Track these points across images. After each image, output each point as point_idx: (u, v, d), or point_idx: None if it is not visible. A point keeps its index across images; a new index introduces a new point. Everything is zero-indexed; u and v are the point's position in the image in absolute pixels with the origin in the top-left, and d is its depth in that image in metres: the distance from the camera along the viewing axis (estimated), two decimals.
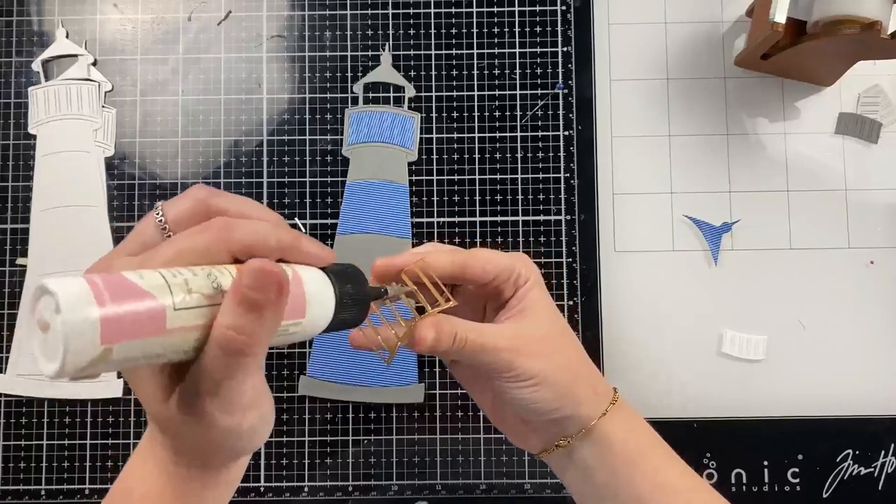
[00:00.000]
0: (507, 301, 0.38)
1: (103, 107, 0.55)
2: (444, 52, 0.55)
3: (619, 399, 0.39)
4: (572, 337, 0.39)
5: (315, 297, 0.31)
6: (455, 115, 0.55)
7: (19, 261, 0.54)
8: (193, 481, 0.33)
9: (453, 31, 0.55)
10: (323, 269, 0.32)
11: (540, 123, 0.55)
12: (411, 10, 0.55)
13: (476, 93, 0.55)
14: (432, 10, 0.55)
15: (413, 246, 0.53)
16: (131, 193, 0.54)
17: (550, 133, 0.54)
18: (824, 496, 0.52)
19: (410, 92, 0.55)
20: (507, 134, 0.54)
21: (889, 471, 0.52)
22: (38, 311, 0.24)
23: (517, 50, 0.55)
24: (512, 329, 0.38)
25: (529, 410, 0.38)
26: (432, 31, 0.55)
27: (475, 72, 0.55)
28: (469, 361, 0.37)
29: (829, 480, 0.52)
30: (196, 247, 0.29)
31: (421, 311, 0.36)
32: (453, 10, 0.55)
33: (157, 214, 0.31)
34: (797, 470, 0.52)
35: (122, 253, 0.31)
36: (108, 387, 0.53)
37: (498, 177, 0.54)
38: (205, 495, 0.34)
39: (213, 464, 0.33)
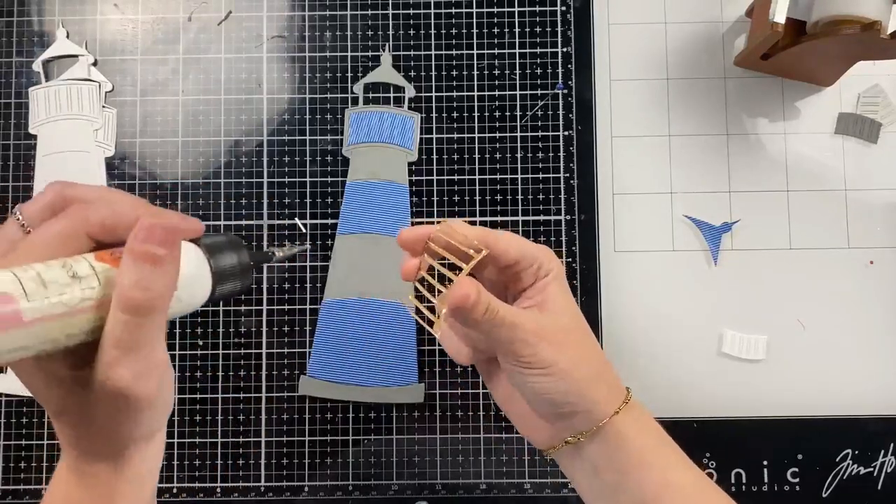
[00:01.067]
0: (526, 290, 0.39)
1: (104, 107, 0.55)
2: (443, 52, 0.55)
3: (632, 399, 0.39)
4: (590, 334, 0.39)
5: (188, 270, 0.31)
6: (455, 115, 0.55)
7: None
8: (107, 475, 0.33)
9: (453, 31, 0.55)
10: (196, 242, 0.32)
11: (540, 124, 0.55)
12: (411, 11, 0.55)
13: (476, 93, 0.55)
14: (432, 11, 0.55)
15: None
16: (132, 193, 0.54)
17: (550, 133, 0.54)
18: (824, 496, 0.52)
19: (410, 92, 0.55)
20: (507, 134, 0.54)
21: (888, 470, 0.52)
22: None
23: (517, 50, 0.55)
24: (536, 315, 0.38)
25: (541, 401, 0.38)
26: (432, 31, 0.55)
27: (475, 72, 0.55)
28: (493, 336, 0.37)
29: (829, 480, 0.52)
30: (56, 234, 0.29)
31: (445, 277, 0.36)
32: (453, 10, 0.55)
33: (17, 215, 0.32)
34: (797, 470, 0.52)
35: None
36: None
37: (498, 177, 0.54)
38: (120, 490, 0.33)
39: (128, 449, 0.33)
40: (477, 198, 0.54)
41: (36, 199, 0.32)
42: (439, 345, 0.53)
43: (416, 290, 0.38)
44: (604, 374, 0.39)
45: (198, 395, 0.53)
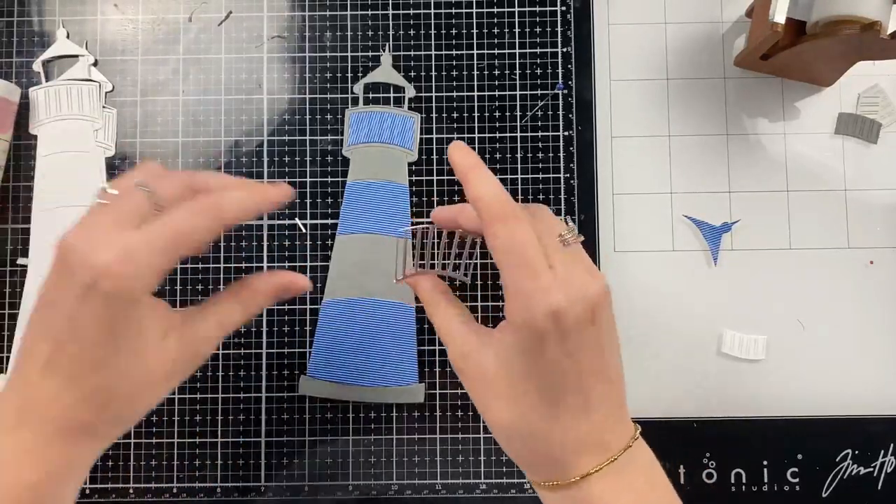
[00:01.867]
0: None
1: (104, 107, 0.55)
2: (443, 52, 0.55)
3: (631, 451, 0.34)
4: (544, 386, 0.33)
5: None
6: (455, 115, 0.55)
7: (20, 261, 0.54)
8: (87, 444, 0.34)
9: (453, 31, 0.55)
10: None
11: (540, 124, 0.55)
12: (411, 11, 0.55)
13: (476, 93, 0.55)
14: (432, 11, 0.55)
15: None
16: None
17: (550, 133, 0.55)
18: (824, 496, 0.52)
19: (411, 92, 0.55)
20: (507, 134, 0.54)
21: (888, 470, 0.52)
22: None
23: (517, 50, 0.55)
24: (477, 341, 0.35)
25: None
26: (432, 31, 0.55)
27: (475, 72, 0.55)
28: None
29: (829, 480, 0.52)
30: (197, 227, 0.34)
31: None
32: (453, 10, 0.55)
33: (146, 190, 0.34)
34: (797, 470, 0.52)
35: (110, 222, 0.33)
36: None
37: (498, 177, 0.54)
38: (87, 463, 0.35)
39: (137, 413, 0.36)
40: None
41: (169, 179, 0.35)
42: (440, 344, 0.53)
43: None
44: (536, 431, 0.33)
45: (198, 395, 0.53)
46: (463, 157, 0.36)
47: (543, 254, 0.33)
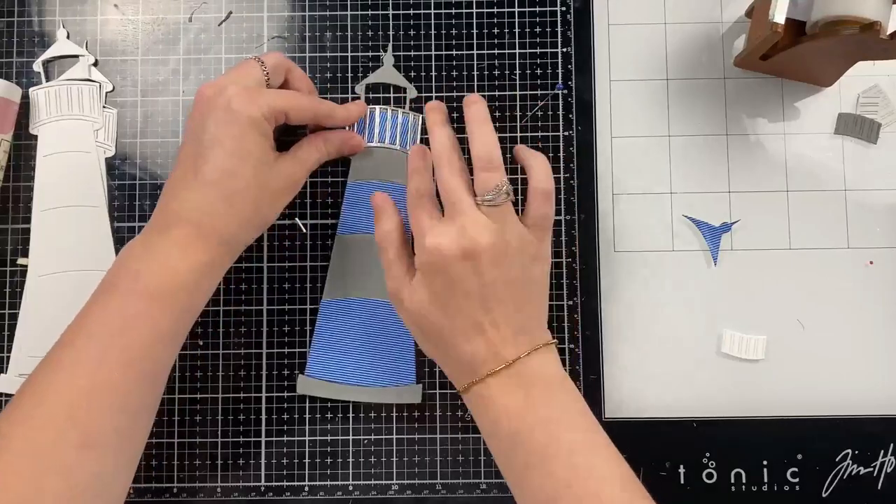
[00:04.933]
0: None
1: (104, 107, 0.55)
2: (444, 52, 0.55)
3: (532, 366, 0.42)
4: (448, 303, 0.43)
5: None
6: (455, 115, 0.55)
7: (20, 261, 0.54)
8: (215, 258, 0.44)
9: (453, 31, 0.55)
10: None
11: (540, 124, 0.55)
12: (412, 11, 0.55)
13: (476, 93, 0.55)
14: (433, 11, 0.55)
15: (413, 248, 0.53)
16: (132, 194, 0.54)
17: (550, 133, 0.55)
18: (823, 496, 0.52)
19: (412, 93, 0.55)
20: (507, 134, 0.54)
21: (888, 470, 0.52)
22: None
23: (517, 51, 0.55)
24: (395, 279, 0.46)
25: None
26: (432, 31, 0.55)
27: (475, 72, 0.55)
28: None
29: (829, 480, 0.52)
30: (300, 100, 0.48)
31: None
32: (453, 10, 0.55)
33: (262, 66, 0.47)
34: (796, 470, 0.52)
35: (239, 77, 0.46)
36: None
37: None
38: (224, 265, 0.46)
39: (261, 221, 0.47)
40: None
41: (270, 57, 0.47)
42: None
43: None
44: (470, 346, 0.42)
45: (198, 395, 0.53)
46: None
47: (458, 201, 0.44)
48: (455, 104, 0.55)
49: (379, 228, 0.47)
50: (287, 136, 0.53)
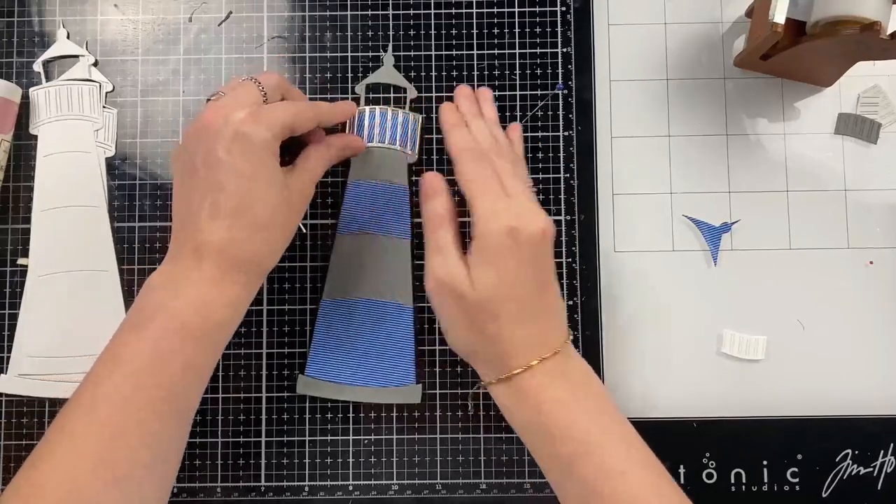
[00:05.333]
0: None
1: (104, 107, 0.55)
2: (444, 52, 0.55)
3: (568, 354, 0.43)
4: (516, 287, 0.42)
5: None
6: None
7: (20, 261, 0.54)
8: (247, 287, 0.43)
9: (454, 31, 0.55)
10: None
11: (540, 124, 0.55)
12: (412, 11, 0.55)
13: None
14: (433, 11, 0.55)
15: (413, 247, 0.53)
16: (132, 194, 0.54)
17: (550, 133, 0.55)
18: (823, 496, 0.52)
19: (412, 93, 0.55)
20: None
21: (888, 470, 0.52)
22: None
23: (517, 51, 0.55)
24: (445, 261, 0.44)
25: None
26: (432, 31, 0.55)
27: (475, 72, 0.55)
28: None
29: (829, 480, 0.52)
30: (302, 111, 0.45)
31: None
32: (454, 10, 0.55)
33: (259, 86, 0.45)
34: (796, 470, 0.52)
35: (238, 102, 0.43)
36: None
37: None
38: (246, 300, 0.44)
39: (280, 243, 0.45)
40: None
41: (267, 77, 0.45)
42: (438, 345, 0.53)
43: None
44: (518, 332, 0.42)
45: None
46: (448, 115, 0.49)
47: (501, 186, 0.44)
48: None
49: (430, 208, 0.45)
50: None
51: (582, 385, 0.42)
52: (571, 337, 0.44)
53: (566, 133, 0.55)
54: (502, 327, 0.42)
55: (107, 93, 0.55)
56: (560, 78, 0.55)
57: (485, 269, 0.42)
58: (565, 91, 0.55)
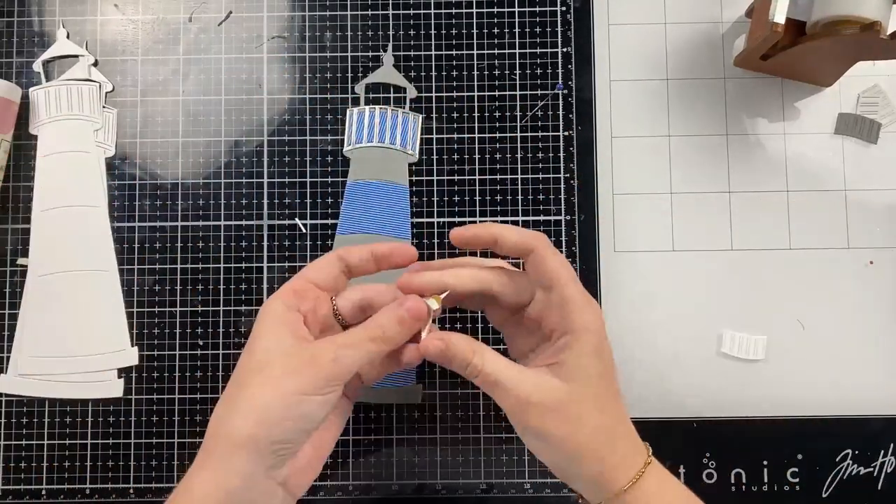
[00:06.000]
0: (550, 342, 0.39)
1: (104, 107, 0.55)
2: (444, 52, 0.55)
3: (651, 464, 0.38)
4: (604, 403, 0.38)
5: None
6: (455, 115, 0.55)
7: (20, 261, 0.54)
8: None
9: (454, 31, 0.55)
10: None
11: (540, 124, 0.55)
12: (412, 11, 0.55)
13: (476, 93, 0.55)
14: (433, 11, 0.55)
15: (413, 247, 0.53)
16: (132, 194, 0.54)
17: (550, 133, 0.55)
18: (824, 496, 0.52)
19: (412, 93, 0.55)
20: (507, 134, 0.54)
21: (888, 470, 0.52)
22: None
23: (517, 51, 0.55)
24: (534, 380, 0.37)
25: (541, 460, 0.39)
26: (433, 31, 0.55)
27: (475, 72, 0.55)
28: (489, 393, 0.38)
29: (829, 480, 0.52)
30: (368, 344, 0.37)
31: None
32: (453, 10, 0.55)
33: (336, 309, 0.40)
34: (797, 470, 0.52)
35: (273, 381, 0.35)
36: (108, 387, 0.53)
37: (498, 177, 0.54)
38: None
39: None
40: (477, 198, 0.54)
41: (347, 298, 0.40)
42: None
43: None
44: (606, 448, 0.37)
45: (198, 395, 0.53)
46: (482, 229, 0.41)
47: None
48: (455, 104, 0.55)
49: (464, 362, 0.38)
50: None
51: (674, 480, 0.40)
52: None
53: (566, 133, 0.55)
54: (603, 443, 0.37)
55: (107, 93, 0.55)
56: (560, 78, 0.55)
57: (596, 360, 0.38)
58: (565, 91, 0.55)
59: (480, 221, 0.54)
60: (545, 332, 0.40)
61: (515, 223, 0.54)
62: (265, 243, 0.54)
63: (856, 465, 0.52)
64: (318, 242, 0.54)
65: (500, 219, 0.54)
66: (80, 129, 0.54)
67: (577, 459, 0.37)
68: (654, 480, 0.38)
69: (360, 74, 0.55)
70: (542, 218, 0.54)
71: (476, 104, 0.55)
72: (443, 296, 0.39)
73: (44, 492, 0.52)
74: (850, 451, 0.52)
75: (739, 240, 0.54)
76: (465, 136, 0.54)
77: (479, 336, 0.53)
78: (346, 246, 0.41)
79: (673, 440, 0.52)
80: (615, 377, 0.39)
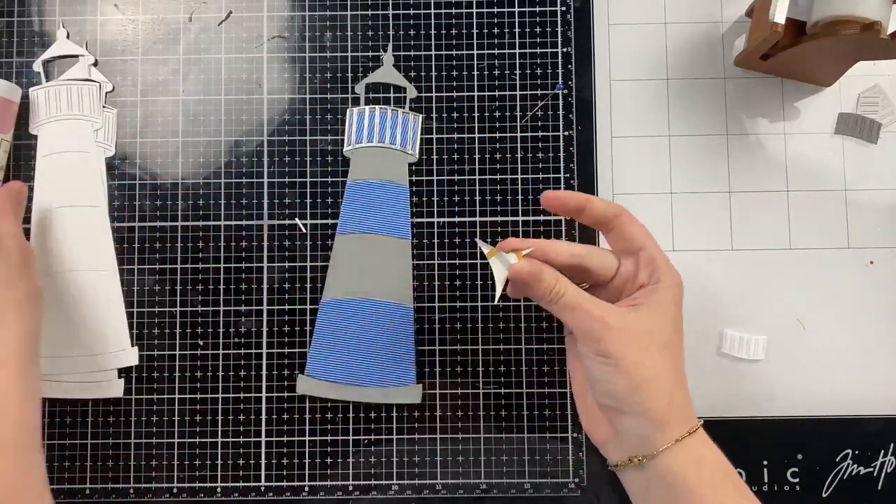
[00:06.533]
0: (639, 290, 0.42)
1: (104, 107, 0.55)
2: (444, 52, 0.55)
3: (696, 432, 0.39)
4: (673, 352, 0.40)
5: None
6: (455, 115, 0.55)
7: None
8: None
9: (454, 31, 0.55)
10: None
11: (540, 124, 0.55)
12: (412, 11, 0.55)
13: (476, 93, 0.55)
14: (433, 11, 0.55)
15: (413, 247, 0.53)
16: (132, 193, 0.54)
17: (550, 133, 0.55)
18: (824, 496, 0.52)
19: (412, 93, 0.55)
20: (507, 134, 0.54)
21: (889, 470, 0.52)
22: None
23: (517, 50, 0.55)
24: (615, 309, 0.40)
25: (601, 392, 0.40)
26: (433, 31, 0.55)
27: (475, 72, 0.55)
28: (563, 318, 0.41)
29: (829, 480, 0.52)
30: None
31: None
32: (453, 10, 0.55)
33: None
34: (797, 470, 0.52)
35: None
36: (108, 387, 0.53)
37: (498, 177, 0.54)
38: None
39: None
40: (477, 198, 0.54)
41: None
42: (438, 345, 0.53)
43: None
44: (670, 391, 0.39)
45: (198, 395, 0.53)
46: (571, 195, 0.44)
47: None
48: (455, 104, 0.55)
49: (549, 286, 0.41)
50: None
51: (721, 466, 0.40)
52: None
53: (566, 133, 0.55)
54: (672, 375, 0.40)
55: (107, 93, 0.55)
56: (560, 78, 0.55)
57: (676, 310, 0.41)
58: (565, 91, 0.55)
59: (481, 221, 0.54)
60: (630, 293, 0.42)
61: (515, 223, 0.54)
62: (265, 243, 0.54)
63: (856, 465, 0.52)
64: (318, 242, 0.54)
65: (500, 219, 0.54)
66: (80, 129, 0.54)
67: (645, 388, 0.38)
68: (706, 444, 0.39)
69: (360, 74, 0.55)
70: (542, 218, 0.54)
71: (476, 104, 0.55)
72: (525, 252, 0.41)
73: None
74: (850, 451, 0.52)
75: (739, 240, 0.54)
76: (465, 136, 0.54)
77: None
78: None
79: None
80: (682, 341, 0.41)
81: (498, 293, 0.41)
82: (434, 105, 0.55)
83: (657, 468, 0.39)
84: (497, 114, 0.55)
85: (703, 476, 0.38)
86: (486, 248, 0.42)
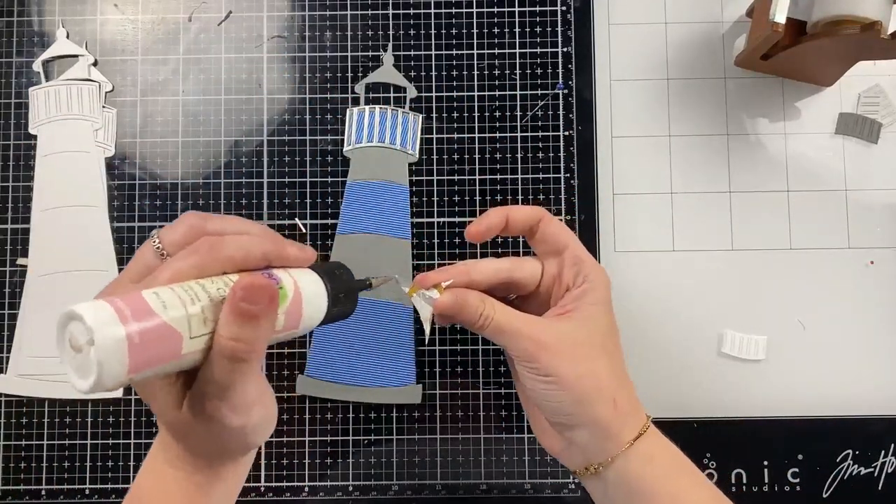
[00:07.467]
0: (566, 294, 0.40)
1: (104, 107, 0.55)
2: (444, 52, 0.55)
3: (651, 428, 0.39)
4: (611, 353, 0.39)
5: (310, 296, 0.34)
6: (455, 115, 0.55)
7: (20, 261, 0.54)
8: (200, 475, 0.36)
9: (454, 31, 0.55)
10: (314, 269, 0.36)
11: (540, 124, 0.55)
12: (412, 11, 0.55)
13: (476, 93, 0.55)
14: (433, 11, 0.55)
15: (413, 247, 0.53)
16: (132, 193, 0.54)
17: (550, 133, 0.54)
18: (824, 496, 0.52)
19: (412, 92, 0.55)
20: (507, 134, 0.54)
21: (889, 471, 0.52)
22: (70, 334, 0.27)
23: (517, 50, 0.55)
24: (547, 324, 0.39)
25: (546, 409, 0.39)
26: (433, 31, 0.55)
27: (475, 72, 0.55)
28: (498, 342, 0.39)
29: (829, 480, 0.52)
30: (190, 266, 0.32)
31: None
32: (453, 10, 0.55)
33: (154, 242, 0.34)
34: (797, 470, 0.52)
35: (125, 279, 0.34)
36: None
37: (498, 177, 0.54)
38: (214, 488, 0.37)
39: (224, 459, 0.36)
40: (477, 198, 0.54)
41: (174, 226, 0.35)
42: (438, 345, 0.53)
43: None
44: (613, 396, 0.38)
45: None
46: (493, 214, 0.41)
47: None
48: (455, 104, 0.55)
49: (477, 313, 0.38)
50: None
51: (671, 445, 0.40)
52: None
53: (566, 133, 0.55)
54: (605, 398, 0.38)
55: (106, 92, 0.55)
56: (560, 77, 0.55)
57: (606, 310, 0.40)
58: (565, 91, 0.55)
59: None
60: (557, 297, 0.41)
61: None
62: None
63: (856, 466, 0.52)
64: (318, 242, 0.54)
65: None
66: (80, 129, 0.54)
67: (590, 400, 0.38)
68: (656, 441, 0.39)
69: (360, 74, 0.55)
70: None
71: (476, 104, 0.55)
72: (446, 284, 0.39)
73: (43, 492, 0.52)
74: (850, 451, 0.52)
75: (739, 240, 0.54)
76: (465, 135, 0.54)
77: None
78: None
79: (673, 440, 0.52)
80: (619, 338, 0.40)
81: (427, 331, 0.39)
82: (434, 105, 0.55)
83: (613, 473, 0.38)
84: (497, 114, 0.54)
85: (656, 472, 0.38)
86: (405, 288, 0.40)
